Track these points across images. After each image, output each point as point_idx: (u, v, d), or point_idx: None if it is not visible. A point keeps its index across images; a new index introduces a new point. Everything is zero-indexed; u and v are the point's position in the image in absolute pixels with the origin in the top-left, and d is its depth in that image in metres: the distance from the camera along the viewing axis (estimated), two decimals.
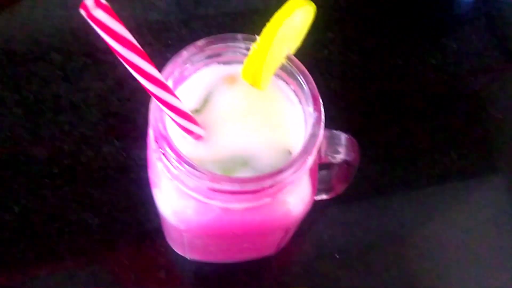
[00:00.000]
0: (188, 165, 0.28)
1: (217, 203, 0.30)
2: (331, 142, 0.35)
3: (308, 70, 0.32)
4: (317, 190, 0.42)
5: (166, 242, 0.44)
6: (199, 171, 0.28)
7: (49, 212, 0.45)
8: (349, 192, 0.44)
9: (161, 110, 0.29)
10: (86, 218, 0.45)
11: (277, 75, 0.33)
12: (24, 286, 0.42)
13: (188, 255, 0.41)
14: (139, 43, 0.25)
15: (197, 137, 0.31)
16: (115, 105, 0.49)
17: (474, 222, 0.48)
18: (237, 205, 0.30)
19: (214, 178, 0.28)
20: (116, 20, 0.23)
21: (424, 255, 0.46)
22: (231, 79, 0.33)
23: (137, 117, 0.48)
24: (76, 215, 0.45)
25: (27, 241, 0.44)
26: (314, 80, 0.32)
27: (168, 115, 0.29)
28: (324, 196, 0.43)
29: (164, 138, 0.28)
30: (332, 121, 0.35)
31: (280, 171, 0.28)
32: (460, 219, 0.48)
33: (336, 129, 0.36)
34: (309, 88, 0.30)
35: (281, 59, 0.31)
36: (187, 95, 0.32)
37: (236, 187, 0.28)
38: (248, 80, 0.31)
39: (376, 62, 0.55)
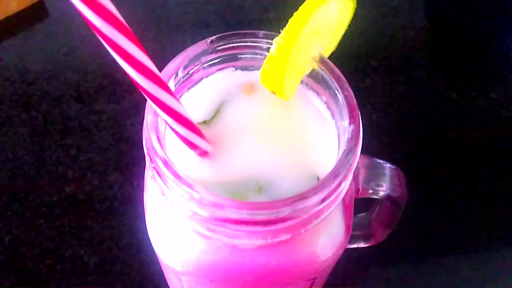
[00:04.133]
0: (183, 183, 0.22)
1: (222, 238, 0.23)
2: (373, 173, 0.29)
3: None
4: (352, 233, 0.35)
5: None
6: (196, 191, 0.21)
7: (42, 246, 0.39)
8: (392, 241, 0.36)
9: (156, 114, 0.23)
10: (82, 255, 0.39)
11: (305, 84, 0.27)
12: None
13: None
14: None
15: (202, 153, 0.25)
16: (128, 129, 0.44)
17: None
18: (247, 241, 0.24)
19: (215, 201, 0.21)
20: None
21: None
22: (249, 88, 0.27)
23: None
24: (71, 251, 0.39)
25: (13, 277, 0.38)
26: None
27: (164, 120, 0.23)
28: (361, 244, 0.36)
29: (155, 150, 0.22)
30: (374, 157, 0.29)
31: (302, 197, 0.21)
32: None
33: None
34: (344, 96, 0.24)
35: (310, 61, 0.25)
36: (195, 103, 0.26)
37: (243, 215, 0.21)
38: (268, 86, 0.25)
39: (427, 95, 0.48)
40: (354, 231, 0.36)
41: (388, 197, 0.29)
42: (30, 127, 0.44)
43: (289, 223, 0.22)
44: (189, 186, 0.22)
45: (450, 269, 0.39)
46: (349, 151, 0.22)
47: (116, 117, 0.45)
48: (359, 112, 0.24)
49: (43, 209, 0.40)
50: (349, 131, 0.23)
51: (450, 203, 0.42)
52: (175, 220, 0.25)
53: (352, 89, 0.30)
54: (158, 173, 0.23)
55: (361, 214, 0.36)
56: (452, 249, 0.40)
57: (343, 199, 0.27)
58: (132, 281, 0.38)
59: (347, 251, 0.36)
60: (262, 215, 0.21)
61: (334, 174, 0.22)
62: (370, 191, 0.29)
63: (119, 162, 0.43)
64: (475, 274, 0.39)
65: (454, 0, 0.54)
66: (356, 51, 0.50)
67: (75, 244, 0.39)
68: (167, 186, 0.23)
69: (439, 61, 0.50)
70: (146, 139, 0.23)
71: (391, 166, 0.30)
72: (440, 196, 0.42)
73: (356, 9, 0.26)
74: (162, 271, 0.35)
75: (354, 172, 0.28)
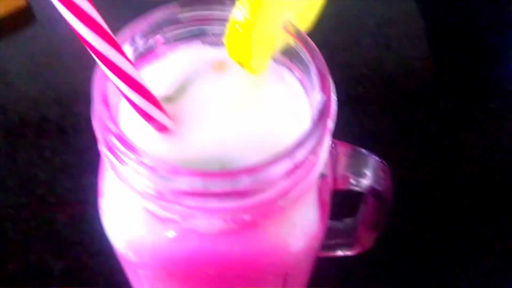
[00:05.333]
0: (134, 150, 0.19)
1: (177, 218, 0.21)
2: (354, 162, 0.26)
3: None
4: (337, 241, 0.33)
5: None
6: (148, 158, 0.19)
7: (5, 249, 0.36)
8: (381, 249, 0.33)
9: (106, 77, 0.21)
10: (48, 260, 0.36)
11: (278, 61, 0.25)
12: None
13: None
14: None
15: (161, 127, 0.22)
16: None
17: None
18: (205, 223, 0.21)
19: (167, 168, 0.19)
20: None
21: None
22: (219, 65, 0.25)
23: None
24: (36, 256, 0.36)
25: None
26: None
27: (115, 85, 0.21)
28: (347, 251, 0.33)
29: (100, 118, 0.20)
30: None
31: (262, 165, 0.19)
32: None
33: None
34: (316, 65, 0.22)
35: (281, 32, 0.23)
36: (158, 78, 0.24)
37: (197, 185, 0.19)
38: (233, 55, 0.23)
39: (422, 103, 0.46)
40: (340, 238, 0.33)
41: (371, 190, 0.26)
42: (6, 128, 0.42)
43: (249, 200, 0.20)
44: (140, 153, 0.19)
45: (444, 277, 0.36)
46: (318, 121, 0.20)
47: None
48: (332, 83, 0.22)
49: (10, 211, 0.38)
50: (319, 102, 0.21)
51: (448, 215, 0.39)
52: (130, 205, 0.23)
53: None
54: (108, 145, 0.21)
55: (346, 219, 0.33)
56: (450, 262, 0.37)
57: (319, 190, 0.24)
58: None
59: (333, 261, 0.34)
60: (217, 185, 0.19)
61: (299, 143, 0.19)
62: (351, 182, 0.26)
63: (95, 166, 0.41)
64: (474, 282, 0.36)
65: (450, 10, 0.52)
66: (350, 60, 0.48)
67: (42, 249, 0.37)
68: (117, 159, 0.20)
69: (435, 70, 0.48)
70: (95, 105, 0.21)
71: (375, 157, 0.27)
72: (435, 208, 0.39)
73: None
74: (132, 281, 0.33)
75: (332, 160, 0.26)
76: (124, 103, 0.23)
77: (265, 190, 0.20)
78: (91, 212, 0.38)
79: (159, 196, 0.20)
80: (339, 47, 0.49)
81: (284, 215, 0.22)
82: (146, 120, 0.22)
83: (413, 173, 0.41)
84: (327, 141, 0.22)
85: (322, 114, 0.20)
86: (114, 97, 0.23)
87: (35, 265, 0.36)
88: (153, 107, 0.22)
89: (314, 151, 0.20)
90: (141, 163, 0.19)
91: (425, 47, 0.50)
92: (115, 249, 0.25)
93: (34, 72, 0.46)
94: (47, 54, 0.48)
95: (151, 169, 0.19)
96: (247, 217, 0.21)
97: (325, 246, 0.33)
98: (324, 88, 0.21)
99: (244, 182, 0.19)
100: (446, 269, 0.36)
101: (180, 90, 0.24)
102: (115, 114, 0.22)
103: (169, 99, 0.24)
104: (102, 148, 0.22)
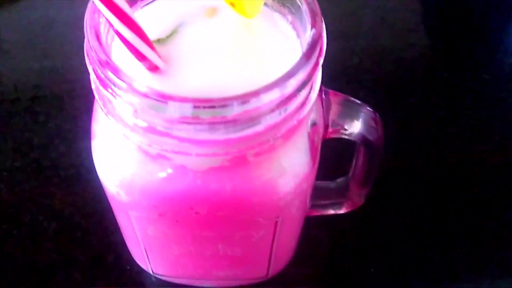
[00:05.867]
0: (122, 78, 0.19)
1: (168, 153, 0.21)
2: (346, 109, 0.26)
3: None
4: (329, 201, 0.33)
5: (133, 259, 0.34)
6: (140, 84, 0.19)
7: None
8: (372, 207, 0.33)
9: (99, 13, 0.21)
10: (41, 220, 0.36)
11: (271, 6, 0.25)
12: None
13: (151, 267, 0.31)
14: None
15: (152, 67, 0.22)
16: None
17: None
18: (196, 160, 0.21)
19: (156, 94, 0.19)
20: None
21: None
22: (211, 11, 0.25)
23: None
24: (30, 216, 0.36)
25: None
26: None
27: (108, 21, 0.21)
28: (338, 210, 0.33)
29: (92, 51, 0.20)
30: None
31: (252, 93, 0.19)
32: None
33: None
34: (307, 4, 0.22)
35: None
36: (150, 21, 0.24)
37: (186, 110, 0.19)
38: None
39: (416, 74, 0.46)
40: (332, 198, 0.33)
41: (362, 139, 0.27)
42: (0, 95, 0.42)
43: (239, 133, 0.20)
44: (132, 81, 0.19)
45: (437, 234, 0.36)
46: (308, 54, 0.20)
47: (90, 87, 0.43)
48: (323, 20, 0.22)
49: (4, 173, 0.38)
50: (310, 36, 0.21)
51: (435, 166, 0.39)
52: (121, 144, 0.23)
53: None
54: (100, 79, 0.21)
55: (339, 179, 0.33)
56: (438, 212, 0.37)
57: (310, 135, 0.24)
58: (92, 249, 0.35)
59: (324, 220, 0.34)
60: (207, 113, 0.19)
61: (289, 74, 0.20)
62: (342, 130, 0.26)
63: (89, 131, 0.41)
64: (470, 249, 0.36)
65: None
66: (345, 30, 0.48)
67: (35, 210, 0.37)
68: (110, 92, 0.20)
69: (431, 42, 0.49)
70: (87, 39, 0.21)
71: (367, 107, 0.27)
72: (428, 172, 0.40)
73: None
74: (125, 241, 0.33)
75: (325, 108, 0.26)
76: (116, 43, 0.23)
77: (255, 122, 0.20)
78: (85, 175, 0.39)
79: (150, 129, 0.20)
80: (335, 19, 0.49)
81: (275, 154, 0.23)
82: (138, 58, 0.22)
83: (406, 131, 0.42)
84: (318, 78, 0.22)
85: (312, 47, 0.20)
86: (107, 38, 0.23)
87: (28, 226, 0.36)
88: (145, 46, 0.22)
89: (304, 84, 0.20)
90: (134, 91, 0.19)
91: (419, 19, 0.50)
92: (106, 191, 0.25)
93: (30, 41, 0.46)
94: (42, 24, 0.48)
95: (143, 95, 0.19)
96: (237, 152, 0.21)
97: (317, 206, 0.33)
98: (315, 24, 0.21)
99: (234, 109, 0.19)
100: (438, 225, 0.37)
101: (172, 33, 0.24)
102: (108, 52, 0.22)
103: (161, 41, 0.24)
104: (95, 84, 0.22)
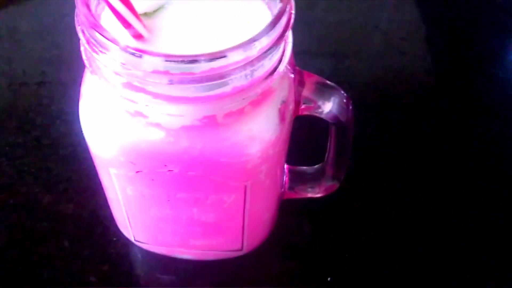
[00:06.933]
0: (107, 37, 0.22)
1: (144, 110, 0.23)
2: (319, 89, 0.28)
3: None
4: (304, 186, 0.34)
5: (120, 232, 0.36)
6: (116, 41, 0.21)
7: None
8: (348, 191, 0.35)
9: None
10: (36, 192, 0.38)
11: None
12: None
13: (133, 234, 0.33)
14: None
15: (137, 35, 0.25)
16: None
17: None
18: (170, 119, 0.23)
19: (134, 48, 0.21)
20: None
21: None
22: None
23: None
24: (26, 188, 0.38)
25: None
26: None
27: None
28: (313, 193, 0.35)
29: (82, 16, 0.23)
30: None
31: (220, 53, 0.21)
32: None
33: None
34: None
35: None
36: None
37: (160, 65, 0.21)
38: None
39: (406, 79, 0.48)
40: (309, 182, 0.35)
41: (333, 118, 0.29)
42: (9, 77, 0.45)
43: (208, 92, 0.22)
44: (115, 39, 0.22)
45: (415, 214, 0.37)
46: (274, 22, 0.22)
47: None
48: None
49: (6, 148, 0.41)
50: (278, 8, 0.23)
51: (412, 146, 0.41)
52: (104, 103, 0.25)
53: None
54: (87, 40, 0.23)
55: (316, 166, 0.35)
56: (413, 194, 0.38)
57: (281, 109, 0.26)
58: (83, 221, 0.37)
59: (302, 206, 0.36)
60: (178, 68, 0.21)
61: (254, 38, 0.22)
62: (314, 107, 0.28)
63: None
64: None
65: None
66: (340, 36, 0.51)
67: (32, 183, 0.39)
68: (95, 50, 0.22)
69: (422, 51, 0.51)
70: (77, 6, 0.23)
71: (341, 91, 0.29)
72: (402, 140, 0.41)
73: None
74: (111, 209, 0.35)
75: (297, 85, 0.28)
76: (106, 13, 0.26)
77: (223, 82, 0.22)
78: (81, 154, 0.41)
79: (128, 85, 0.22)
80: (330, 25, 0.51)
81: (244, 119, 0.24)
82: (124, 26, 0.24)
83: (389, 128, 0.43)
84: (287, 52, 0.24)
85: (278, 17, 0.22)
86: (96, 8, 0.25)
87: (24, 196, 0.38)
88: (131, 15, 0.24)
89: (269, 50, 0.22)
90: (115, 46, 0.21)
91: (413, 29, 0.52)
92: (90, 149, 0.27)
93: (41, 32, 0.50)
94: (54, 17, 0.51)
95: (123, 49, 0.21)
96: (207, 111, 0.23)
97: (295, 189, 0.35)
98: None
99: (201, 66, 0.21)
100: (415, 207, 0.38)
101: (159, 9, 0.27)
102: (95, 17, 0.24)
103: (148, 14, 0.26)
104: (83, 46, 0.24)
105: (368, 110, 0.44)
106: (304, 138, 0.36)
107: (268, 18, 0.26)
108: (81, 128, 0.42)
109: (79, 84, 0.45)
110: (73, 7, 0.52)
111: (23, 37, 0.49)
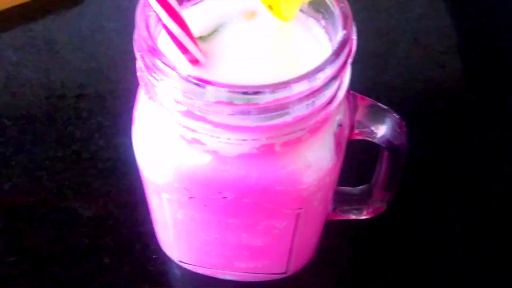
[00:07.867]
0: (167, 63, 0.21)
1: (202, 138, 0.23)
2: (372, 113, 0.28)
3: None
4: (351, 206, 0.34)
5: (160, 249, 0.35)
6: (176, 68, 0.21)
7: (39, 195, 0.39)
8: (394, 214, 0.34)
9: (150, 7, 0.23)
10: (77, 207, 0.38)
11: (306, 12, 0.27)
12: None
13: (177, 254, 0.32)
14: None
15: (193, 60, 0.24)
16: None
17: None
18: (228, 147, 0.23)
19: (196, 78, 0.21)
20: None
21: None
22: (250, 14, 0.27)
23: None
24: (66, 203, 0.38)
25: (4, 221, 0.37)
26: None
27: (157, 15, 0.23)
28: (360, 215, 0.34)
29: (141, 40, 0.22)
30: None
31: (283, 83, 0.21)
32: None
33: None
34: (339, 8, 0.24)
35: None
36: (194, 20, 0.26)
37: (222, 94, 0.20)
38: (265, 1, 0.25)
39: (445, 95, 0.47)
40: (354, 203, 0.34)
41: (387, 142, 0.28)
42: (48, 89, 0.45)
43: (269, 121, 0.21)
44: (175, 66, 0.21)
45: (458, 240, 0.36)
46: (338, 52, 0.22)
47: (132, 88, 0.46)
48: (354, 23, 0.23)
49: (46, 162, 0.41)
50: (341, 36, 0.23)
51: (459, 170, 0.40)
52: (159, 128, 0.25)
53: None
54: (146, 65, 0.23)
55: (362, 186, 0.34)
56: (460, 218, 0.37)
57: (336, 134, 0.26)
58: (122, 237, 0.37)
59: (345, 228, 0.35)
60: (241, 99, 0.20)
61: (318, 68, 0.21)
62: (367, 132, 0.27)
63: (128, 129, 0.43)
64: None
65: (479, 10, 0.54)
66: (378, 49, 0.50)
67: (72, 198, 0.39)
68: (154, 76, 0.22)
69: (461, 65, 0.50)
70: (136, 31, 0.23)
71: (394, 113, 0.28)
72: (449, 166, 0.40)
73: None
74: (154, 231, 0.35)
75: (352, 110, 0.27)
76: (162, 38, 0.25)
77: (284, 112, 0.21)
78: (120, 168, 0.41)
79: (188, 114, 0.22)
80: (368, 38, 0.50)
81: (301, 147, 0.24)
82: (181, 51, 0.24)
83: (432, 145, 0.43)
84: (346, 78, 0.24)
85: (341, 46, 0.22)
86: (154, 32, 0.25)
87: (64, 211, 0.38)
88: (189, 39, 0.24)
89: (332, 79, 0.22)
90: (176, 75, 0.21)
91: (452, 43, 0.51)
92: (141, 173, 0.27)
93: (79, 43, 0.50)
94: (92, 29, 0.51)
95: (185, 79, 0.21)
96: (265, 140, 0.22)
97: (339, 211, 0.34)
98: (346, 26, 0.23)
99: (266, 97, 0.20)
100: (460, 231, 0.37)
101: (213, 32, 0.26)
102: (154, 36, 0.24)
103: (203, 38, 0.26)
104: (140, 72, 0.24)
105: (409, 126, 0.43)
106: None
107: (325, 41, 0.26)
108: (120, 142, 0.42)
109: (117, 97, 0.46)
110: (110, 17, 0.52)
111: (62, 48, 0.49)
